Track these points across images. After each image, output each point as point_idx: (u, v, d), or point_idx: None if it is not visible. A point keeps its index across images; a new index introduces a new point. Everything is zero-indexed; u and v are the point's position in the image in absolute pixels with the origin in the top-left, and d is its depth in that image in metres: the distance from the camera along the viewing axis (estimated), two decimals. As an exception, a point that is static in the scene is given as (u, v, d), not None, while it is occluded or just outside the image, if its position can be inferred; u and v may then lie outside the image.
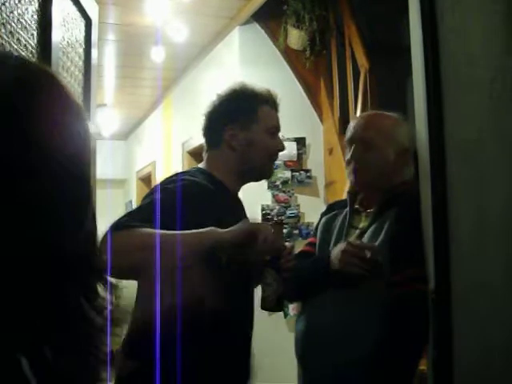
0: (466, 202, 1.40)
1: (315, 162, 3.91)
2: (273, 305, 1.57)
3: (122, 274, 1.26)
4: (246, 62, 3.95)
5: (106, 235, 1.29)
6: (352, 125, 1.81)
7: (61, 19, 1.93)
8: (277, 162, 3.67)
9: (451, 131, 1.45)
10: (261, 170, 1.73)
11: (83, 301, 0.55)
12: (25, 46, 1.67)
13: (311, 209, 3.75)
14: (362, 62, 3.49)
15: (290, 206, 3.82)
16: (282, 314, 3.48)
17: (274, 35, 3.88)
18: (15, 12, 1.60)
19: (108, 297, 0.58)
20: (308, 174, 3.86)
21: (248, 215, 1.82)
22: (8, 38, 1.56)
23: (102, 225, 1.35)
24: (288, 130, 3.65)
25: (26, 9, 1.69)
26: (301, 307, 1.81)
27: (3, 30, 1.53)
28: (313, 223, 3.53)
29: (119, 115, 6.07)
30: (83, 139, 0.59)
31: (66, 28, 2.02)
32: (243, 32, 3.97)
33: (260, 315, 1.73)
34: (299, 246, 1.99)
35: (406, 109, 3.15)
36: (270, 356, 3.41)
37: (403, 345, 1.55)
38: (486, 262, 1.34)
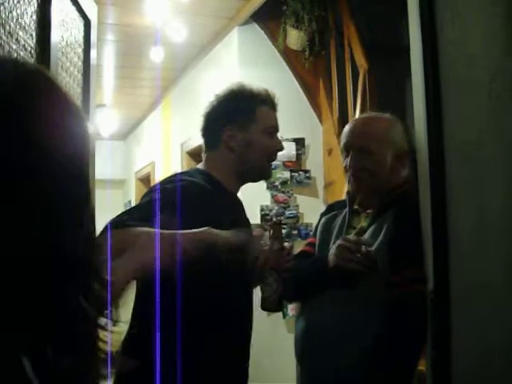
0: (465, 202, 1.41)
1: (314, 162, 3.91)
2: (274, 305, 1.58)
3: None
4: (245, 62, 3.95)
5: (102, 233, 1.30)
6: (347, 130, 1.80)
7: (60, 19, 1.93)
8: (276, 163, 3.71)
9: (450, 132, 1.45)
10: (259, 170, 1.73)
11: (82, 300, 0.55)
12: (24, 46, 1.67)
13: (310, 209, 3.75)
14: (361, 63, 3.49)
15: (289, 207, 3.82)
16: (280, 314, 3.48)
17: (273, 35, 3.89)
18: (14, 12, 1.60)
19: (108, 296, 0.58)
20: (307, 175, 3.87)
21: (248, 215, 1.83)
22: (7, 38, 1.56)
23: (102, 225, 1.36)
24: (287, 131, 3.65)
25: (25, 9, 1.68)
26: (300, 307, 1.82)
27: (2, 31, 1.53)
28: (312, 224, 3.53)
29: (118, 115, 6.07)
30: (82, 140, 0.60)
31: (64, 28, 2.02)
32: (242, 32, 3.97)
33: (259, 315, 1.73)
34: (298, 246, 2.00)
35: (405, 109, 3.16)
36: (269, 356, 3.42)
37: (402, 345, 1.55)
38: (486, 262, 1.34)
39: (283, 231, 3.65)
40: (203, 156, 1.76)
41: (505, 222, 1.29)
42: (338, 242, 1.64)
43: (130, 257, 1.22)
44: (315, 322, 1.67)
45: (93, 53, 2.33)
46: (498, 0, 1.33)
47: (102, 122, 5.75)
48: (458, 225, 1.42)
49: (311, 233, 2.07)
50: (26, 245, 0.51)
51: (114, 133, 6.29)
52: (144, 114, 6.30)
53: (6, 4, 1.56)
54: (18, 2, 1.63)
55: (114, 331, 0.60)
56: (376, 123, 1.79)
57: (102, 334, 0.57)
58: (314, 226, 1.95)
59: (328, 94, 3.89)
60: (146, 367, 1.35)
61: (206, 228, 1.37)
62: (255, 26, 3.93)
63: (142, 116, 6.37)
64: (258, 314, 1.69)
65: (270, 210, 3.79)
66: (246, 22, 3.92)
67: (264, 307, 1.58)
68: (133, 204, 6.57)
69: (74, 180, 0.57)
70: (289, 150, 3.79)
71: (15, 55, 1.58)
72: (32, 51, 1.73)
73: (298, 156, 3.87)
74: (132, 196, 6.80)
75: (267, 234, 1.62)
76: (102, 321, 0.58)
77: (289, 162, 3.83)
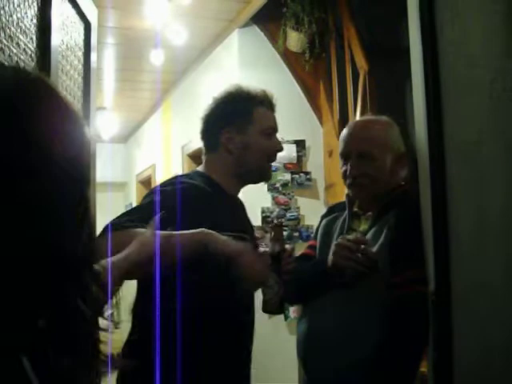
0: (465, 202, 1.41)
1: (315, 164, 3.91)
2: (275, 307, 1.57)
3: None
4: (245, 64, 3.96)
5: (101, 234, 1.30)
6: (346, 135, 1.77)
7: (60, 23, 1.94)
8: (277, 165, 3.73)
9: (451, 132, 1.45)
10: (259, 171, 1.73)
11: (82, 301, 0.56)
12: (24, 49, 1.67)
13: (311, 211, 3.75)
14: (362, 64, 3.49)
15: (289, 209, 3.82)
16: (282, 316, 3.48)
17: (273, 38, 3.89)
18: (14, 16, 1.60)
19: (108, 296, 0.58)
20: (308, 177, 3.87)
21: (249, 216, 1.83)
22: (7, 42, 1.56)
23: (103, 227, 1.36)
24: (288, 133, 3.66)
25: (25, 13, 1.69)
26: (302, 310, 1.81)
27: (2, 35, 1.53)
28: (313, 226, 3.53)
29: (119, 118, 6.08)
30: (81, 144, 0.61)
31: (65, 31, 2.02)
32: (242, 35, 3.97)
33: (260, 317, 1.73)
34: (299, 248, 1.99)
35: (406, 110, 3.16)
36: (271, 358, 3.42)
37: (404, 347, 1.55)
38: (486, 262, 1.34)
39: (284, 233, 3.65)
40: (203, 158, 1.76)
41: (505, 222, 1.29)
42: (338, 240, 1.64)
43: (124, 256, 1.22)
44: (317, 324, 1.67)
45: (93, 56, 2.33)
46: (497, -2, 1.33)
47: (103, 124, 5.76)
48: (459, 225, 1.42)
49: (312, 235, 2.06)
50: (26, 245, 0.51)
51: (114, 136, 6.29)
52: (144, 117, 6.30)
53: (7, 8, 1.56)
54: (19, 5, 1.64)
55: (114, 332, 0.60)
56: (374, 127, 1.77)
57: (102, 334, 0.58)
58: (315, 227, 1.95)
59: (328, 95, 3.89)
60: (146, 367, 1.35)
61: (202, 229, 1.38)
62: (255, 29, 3.94)
63: (142, 119, 6.38)
64: (260, 316, 1.69)
65: (271, 212, 3.79)
66: (246, 25, 3.92)
67: (265, 310, 1.58)
68: (134, 207, 6.57)
69: (74, 181, 0.58)
70: (289, 152, 3.80)
71: (16, 59, 1.59)
72: (32, 55, 1.73)
73: (299, 158, 3.87)
74: (133, 199, 6.80)
75: (268, 236, 1.62)
76: (102, 322, 0.58)
77: (289, 163, 3.84)
